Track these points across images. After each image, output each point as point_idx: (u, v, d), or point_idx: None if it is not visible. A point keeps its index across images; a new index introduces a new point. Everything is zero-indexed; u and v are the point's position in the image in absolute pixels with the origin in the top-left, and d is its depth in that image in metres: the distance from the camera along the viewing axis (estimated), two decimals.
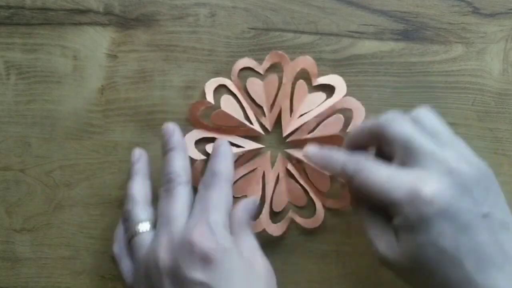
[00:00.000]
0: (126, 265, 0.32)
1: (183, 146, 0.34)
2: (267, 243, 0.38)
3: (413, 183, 0.28)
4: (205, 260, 0.29)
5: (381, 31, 0.38)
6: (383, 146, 0.32)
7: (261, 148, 0.38)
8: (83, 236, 0.38)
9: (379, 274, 0.38)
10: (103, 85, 0.38)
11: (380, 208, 0.30)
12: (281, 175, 0.38)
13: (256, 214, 0.36)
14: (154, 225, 0.32)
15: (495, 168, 0.39)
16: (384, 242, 0.30)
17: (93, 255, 0.38)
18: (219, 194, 0.32)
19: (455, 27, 0.39)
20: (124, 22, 0.38)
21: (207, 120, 0.38)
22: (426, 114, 0.31)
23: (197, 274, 0.28)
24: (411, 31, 0.38)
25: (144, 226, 0.32)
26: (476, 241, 0.28)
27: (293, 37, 0.38)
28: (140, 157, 0.35)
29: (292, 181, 0.38)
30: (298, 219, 0.38)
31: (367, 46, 0.39)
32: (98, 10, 0.38)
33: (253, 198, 0.35)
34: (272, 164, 0.39)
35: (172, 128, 0.34)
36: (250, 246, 0.32)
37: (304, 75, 0.38)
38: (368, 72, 0.38)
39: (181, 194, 0.32)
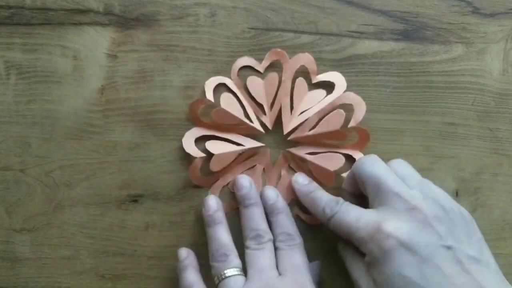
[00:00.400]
0: None
1: (261, 203, 0.37)
2: None
3: (375, 222, 0.31)
4: None
5: (381, 31, 0.38)
6: (360, 187, 0.35)
7: (261, 146, 0.38)
8: (83, 236, 0.38)
9: None
10: (103, 85, 0.38)
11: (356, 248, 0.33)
12: (284, 172, 0.38)
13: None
14: (243, 273, 0.35)
15: (495, 168, 0.39)
16: (365, 284, 0.32)
17: (93, 255, 0.38)
18: (303, 258, 0.35)
19: (455, 27, 0.39)
20: (124, 22, 0.38)
21: (207, 118, 0.38)
22: (399, 161, 0.34)
23: None
24: (411, 31, 0.39)
25: (237, 271, 0.35)
26: (443, 272, 0.29)
27: (293, 37, 0.38)
28: (217, 208, 0.37)
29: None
30: (303, 216, 0.38)
31: (367, 46, 0.39)
32: (98, 10, 0.38)
33: (316, 262, 0.38)
34: (273, 162, 0.39)
35: (251, 183, 0.37)
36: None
37: (303, 73, 0.38)
38: (368, 72, 0.38)
39: (270, 249, 0.35)
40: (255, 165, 0.38)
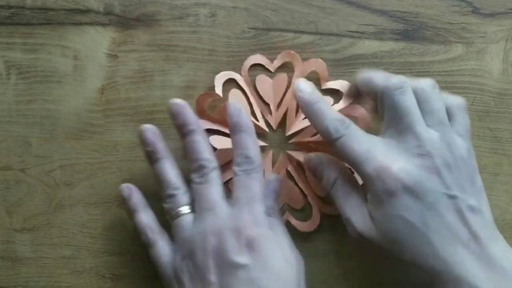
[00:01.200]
0: (163, 247, 0.34)
1: (203, 129, 0.35)
2: None
3: (384, 159, 0.31)
4: (250, 246, 0.32)
5: (381, 31, 0.38)
6: (378, 105, 0.33)
7: (263, 146, 0.38)
8: (84, 235, 0.38)
9: (380, 274, 0.38)
10: (103, 85, 0.38)
11: (354, 187, 0.33)
12: (281, 176, 0.38)
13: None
14: (193, 208, 0.34)
15: (495, 168, 0.39)
16: (360, 219, 0.32)
17: (93, 255, 0.38)
18: (259, 184, 0.34)
19: (455, 27, 0.39)
20: (125, 22, 0.38)
21: (213, 112, 0.38)
22: (430, 91, 0.32)
23: (241, 258, 0.31)
24: (411, 31, 0.39)
25: (185, 209, 0.34)
26: (443, 220, 0.30)
27: (293, 37, 0.38)
28: (155, 136, 0.35)
29: (291, 183, 0.38)
30: (294, 221, 0.38)
31: (367, 46, 0.39)
32: (99, 10, 0.38)
33: (274, 176, 0.37)
34: (273, 164, 0.39)
35: (184, 105, 0.35)
36: (282, 232, 0.34)
37: (314, 78, 0.38)
38: None
39: (216, 179, 0.34)
40: None
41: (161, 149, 0.35)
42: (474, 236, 0.30)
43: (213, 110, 0.38)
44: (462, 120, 0.33)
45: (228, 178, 0.38)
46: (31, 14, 0.38)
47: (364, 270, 0.39)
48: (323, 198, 0.38)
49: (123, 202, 0.36)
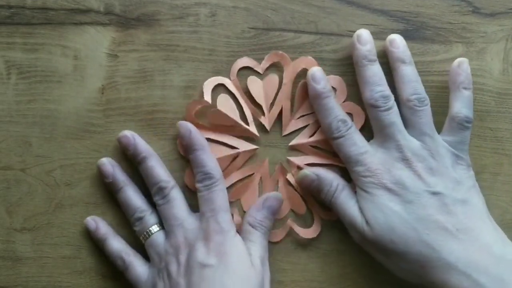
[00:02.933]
0: (139, 267, 0.37)
1: (153, 151, 0.37)
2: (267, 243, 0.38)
3: (371, 163, 0.35)
4: (217, 250, 0.34)
5: (381, 30, 0.38)
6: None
7: (255, 149, 0.38)
8: (84, 235, 0.38)
9: (380, 274, 0.38)
10: (103, 84, 0.38)
11: (352, 191, 0.36)
12: (281, 183, 0.38)
13: (277, 210, 0.38)
14: (162, 226, 0.37)
15: (496, 168, 0.39)
16: (359, 219, 0.35)
17: (93, 255, 0.38)
18: (221, 195, 0.36)
19: (455, 27, 0.39)
20: (125, 21, 0.38)
21: (204, 119, 0.38)
22: (416, 106, 0.35)
23: (208, 259, 0.34)
24: (412, 30, 0.39)
25: (155, 228, 0.37)
26: (426, 212, 0.33)
27: (293, 37, 0.38)
28: (113, 168, 0.37)
29: (291, 189, 0.38)
30: (296, 228, 0.38)
31: None
32: (99, 10, 0.38)
33: (275, 194, 0.38)
34: (271, 170, 0.39)
35: (131, 136, 0.37)
36: (258, 244, 0.36)
37: (305, 76, 0.38)
38: None
39: (177, 197, 0.36)
40: (253, 174, 0.38)
41: (121, 179, 0.37)
42: (463, 227, 0.33)
43: (204, 117, 0.38)
44: (457, 134, 0.36)
45: (228, 185, 0.38)
46: (31, 14, 0.38)
47: (364, 270, 0.39)
48: (322, 205, 0.38)
49: (92, 235, 0.38)
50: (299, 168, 0.38)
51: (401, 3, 0.39)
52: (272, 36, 0.38)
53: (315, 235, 0.38)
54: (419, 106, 0.35)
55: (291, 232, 0.39)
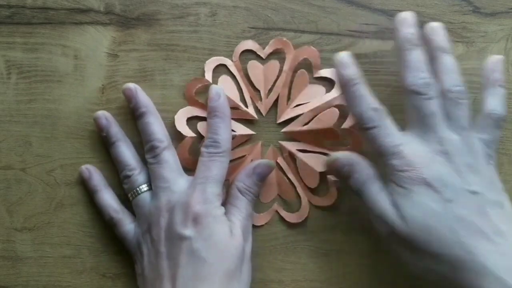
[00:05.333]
0: (127, 225, 0.37)
1: (155, 109, 0.37)
2: (267, 242, 0.38)
3: (409, 156, 0.32)
4: (195, 221, 0.33)
5: (381, 30, 0.38)
6: (404, 102, 0.34)
7: (252, 134, 0.38)
8: (84, 235, 0.38)
9: (380, 274, 0.38)
10: (103, 84, 0.38)
11: (383, 183, 0.34)
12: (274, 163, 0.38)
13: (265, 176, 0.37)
14: (150, 186, 0.36)
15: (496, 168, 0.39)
16: (391, 213, 0.32)
17: (94, 254, 0.38)
18: (220, 167, 0.35)
19: (455, 27, 0.39)
20: (125, 21, 0.38)
21: (203, 98, 0.38)
22: (457, 97, 0.34)
23: (186, 230, 0.33)
24: None
25: (143, 188, 0.36)
26: (465, 212, 0.31)
27: (293, 37, 0.38)
28: (107, 121, 0.37)
29: (281, 174, 0.38)
30: (282, 213, 0.38)
31: (368, 46, 0.39)
32: (99, 10, 0.38)
33: (267, 161, 0.37)
34: (263, 154, 0.39)
35: (135, 89, 0.37)
36: (243, 212, 0.36)
37: (306, 66, 0.38)
38: (368, 71, 0.38)
39: (169, 158, 0.36)
40: (244, 156, 0.38)
41: (115, 132, 0.37)
42: (498, 231, 0.31)
43: (203, 96, 0.38)
44: (491, 132, 0.34)
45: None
46: (31, 14, 0.38)
47: (364, 270, 0.39)
48: (312, 189, 0.38)
49: (85, 183, 0.38)
50: (291, 153, 0.38)
51: (402, 3, 0.39)
52: (272, 35, 0.38)
53: (300, 220, 0.38)
54: (461, 99, 0.33)
55: (275, 217, 0.38)
